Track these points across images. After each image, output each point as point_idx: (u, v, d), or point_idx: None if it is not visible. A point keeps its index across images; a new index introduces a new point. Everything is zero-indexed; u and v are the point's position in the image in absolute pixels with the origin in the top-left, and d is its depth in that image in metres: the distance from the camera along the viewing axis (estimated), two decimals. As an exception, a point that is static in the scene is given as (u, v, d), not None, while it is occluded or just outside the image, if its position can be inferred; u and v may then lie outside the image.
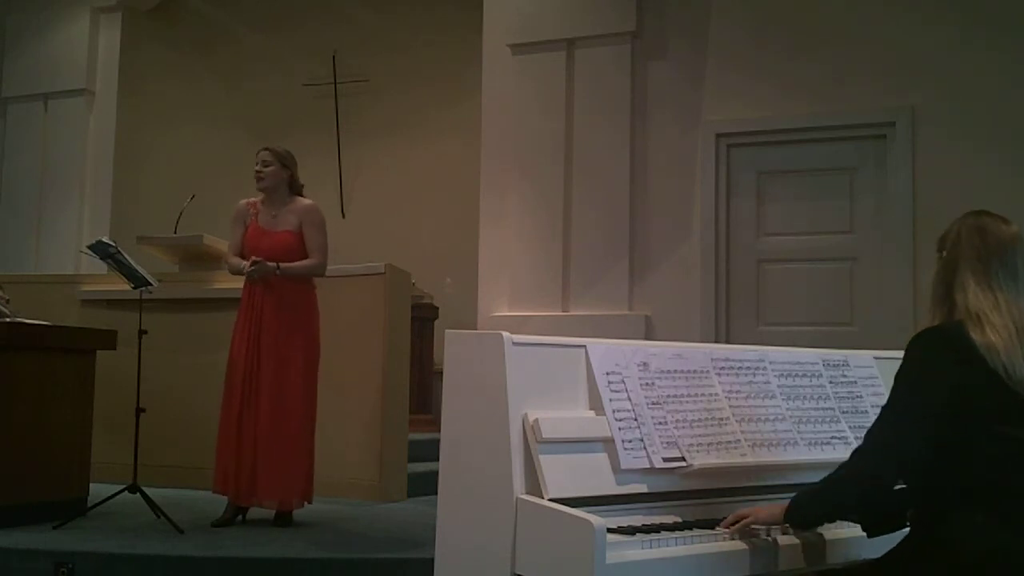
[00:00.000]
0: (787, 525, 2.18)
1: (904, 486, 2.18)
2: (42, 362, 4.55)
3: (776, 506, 2.19)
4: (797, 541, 2.24)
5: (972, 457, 2.01)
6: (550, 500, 2.05)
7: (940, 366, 2.05)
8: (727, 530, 2.17)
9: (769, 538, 2.20)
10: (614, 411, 2.24)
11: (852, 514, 2.21)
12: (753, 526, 2.18)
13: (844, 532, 2.31)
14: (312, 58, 9.17)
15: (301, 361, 4.57)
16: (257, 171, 4.67)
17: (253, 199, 4.75)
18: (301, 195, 4.77)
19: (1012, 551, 1.96)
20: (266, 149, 4.71)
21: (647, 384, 2.33)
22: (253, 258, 4.51)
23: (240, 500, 4.51)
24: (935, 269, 2.25)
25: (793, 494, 2.36)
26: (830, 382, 2.66)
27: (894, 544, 2.18)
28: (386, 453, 5.41)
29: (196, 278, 5.91)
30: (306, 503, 4.63)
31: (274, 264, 4.51)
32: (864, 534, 2.28)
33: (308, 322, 4.65)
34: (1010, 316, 2.09)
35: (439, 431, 2.33)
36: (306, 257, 4.64)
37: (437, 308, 7.57)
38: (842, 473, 2.10)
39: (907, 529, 2.18)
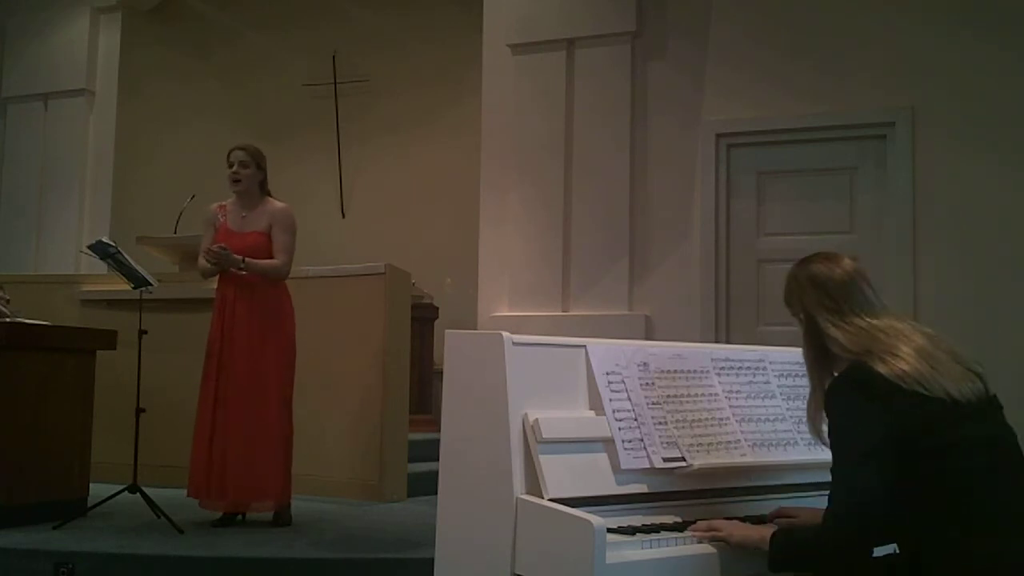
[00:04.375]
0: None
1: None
2: (42, 362, 4.55)
3: (752, 529, 2.15)
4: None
5: (930, 475, 1.99)
6: (550, 500, 2.05)
7: (862, 410, 2.02)
8: (696, 535, 2.13)
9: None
10: (614, 411, 2.24)
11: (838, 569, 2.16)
12: (723, 540, 2.13)
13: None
14: (312, 58, 9.16)
15: (275, 367, 4.55)
16: (234, 172, 4.63)
17: (222, 203, 4.73)
18: (270, 194, 4.75)
19: (989, 555, 1.95)
20: (241, 149, 4.67)
21: (647, 384, 2.33)
22: (221, 244, 4.49)
23: (213, 505, 4.51)
24: (802, 333, 2.25)
25: (778, 503, 2.35)
26: (830, 382, 2.66)
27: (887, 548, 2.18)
28: (386, 453, 5.41)
29: (196, 278, 5.89)
30: (285, 505, 4.60)
31: (239, 257, 4.49)
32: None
33: (282, 326, 4.62)
34: (885, 336, 2.10)
35: (439, 431, 2.33)
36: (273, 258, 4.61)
37: (437, 308, 7.57)
38: (821, 539, 2.03)
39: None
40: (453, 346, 2.28)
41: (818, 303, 2.19)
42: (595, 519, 1.93)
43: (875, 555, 2.13)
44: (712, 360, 2.49)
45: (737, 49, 6.14)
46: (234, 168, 4.64)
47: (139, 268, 4.75)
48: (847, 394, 2.07)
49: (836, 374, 2.16)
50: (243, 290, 4.57)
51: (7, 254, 8.12)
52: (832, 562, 2.08)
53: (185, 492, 4.69)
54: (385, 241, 8.14)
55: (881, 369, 2.04)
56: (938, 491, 1.99)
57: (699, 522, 2.17)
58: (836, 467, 2.05)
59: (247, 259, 4.51)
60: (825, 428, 2.13)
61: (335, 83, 9.10)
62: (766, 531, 2.12)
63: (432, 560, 2.28)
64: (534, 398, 2.16)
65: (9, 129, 8.51)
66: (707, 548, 2.11)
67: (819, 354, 2.21)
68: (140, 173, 8.73)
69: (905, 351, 2.06)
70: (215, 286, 4.75)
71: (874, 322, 2.14)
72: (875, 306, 2.19)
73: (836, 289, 2.19)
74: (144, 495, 4.49)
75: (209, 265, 4.58)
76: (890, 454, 1.99)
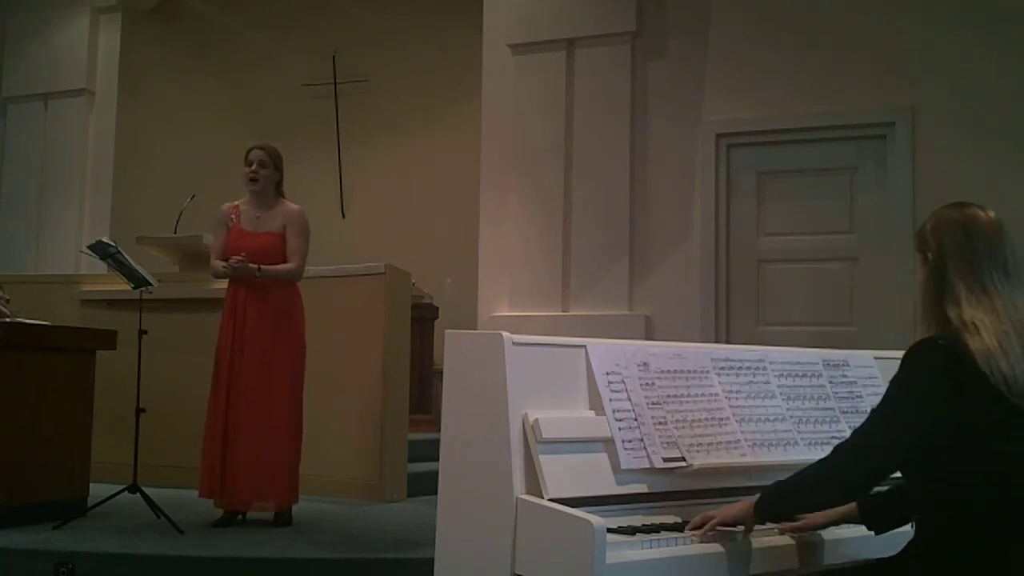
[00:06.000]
0: (756, 518, 2.13)
1: (900, 484, 2.17)
2: (42, 362, 4.55)
3: (744, 502, 2.16)
4: (797, 541, 2.24)
5: (976, 475, 1.96)
6: (550, 500, 2.05)
7: (937, 381, 1.97)
8: (694, 534, 2.12)
9: (769, 538, 2.20)
10: (614, 411, 2.24)
11: (829, 507, 2.19)
12: (720, 527, 2.13)
13: (845, 532, 2.31)
14: (312, 58, 9.17)
15: (287, 368, 4.56)
16: (252, 171, 4.63)
17: (235, 203, 4.72)
18: (284, 195, 4.75)
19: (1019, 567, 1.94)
20: (260, 148, 4.66)
21: (647, 384, 2.33)
22: (236, 256, 4.48)
23: (225, 504, 4.52)
24: (921, 276, 2.13)
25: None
26: (830, 382, 2.66)
27: (896, 543, 2.17)
28: (386, 453, 5.41)
29: (196, 278, 5.90)
30: (293, 504, 4.62)
31: (255, 266, 4.48)
32: (867, 533, 2.28)
33: (294, 328, 4.63)
34: (1009, 320, 2.00)
35: (439, 431, 2.32)
36: (286, 260, 4.61)
37: (437, 308, 7.57)
38: (823, 470, 2.05)
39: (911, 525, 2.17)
40: (453, 346, 2.28)
41: (958, 249, 2.06)
42: (595, 519, 1.93)
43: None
44: (712, 360, 2.49)
45: (737, 49, 6.14)
46: (252, 167, 4.64)
47: (139, 268, 4.74)
48: (929, 364, 1.99)
49: (934, 333, 2.06)
50: (255, 291, 4.56)
51: (7, 254, 8.12)
52: (810, 504, 2.14)
53: (185, 491, 4.69)
54: (385, 241, 8.14)
55: (973, 343, 1.96)
56: (987, 497, 1.96)
57: (692, 520, 2.17)
58: (876, 414, 2.04)
59: (262, 267, 4.50)
60: None
61: (335, 83, 9.11)
62: (754, 498, 2.14)
63: (432, 560, 2.28)
64: (534, 398, 2.16)
65: (9, 129, 8.51)
66: (707, 548, 2.11)
67: (933, 306, 2.08)
68: (140, 173, 8.74)
69: (1011, 345, 1.96)
70: (221, 285, 4.75)
71: (1002, 299, 2.02)
72: (1011, 278, 2.05)
73: (981, 241, 2.06)
74: (144, 495, 4.49)
75: (222, 269, 4.57)
76: (937, 438, 1.96)
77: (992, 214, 2.12)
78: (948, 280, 2.06)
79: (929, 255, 2.12)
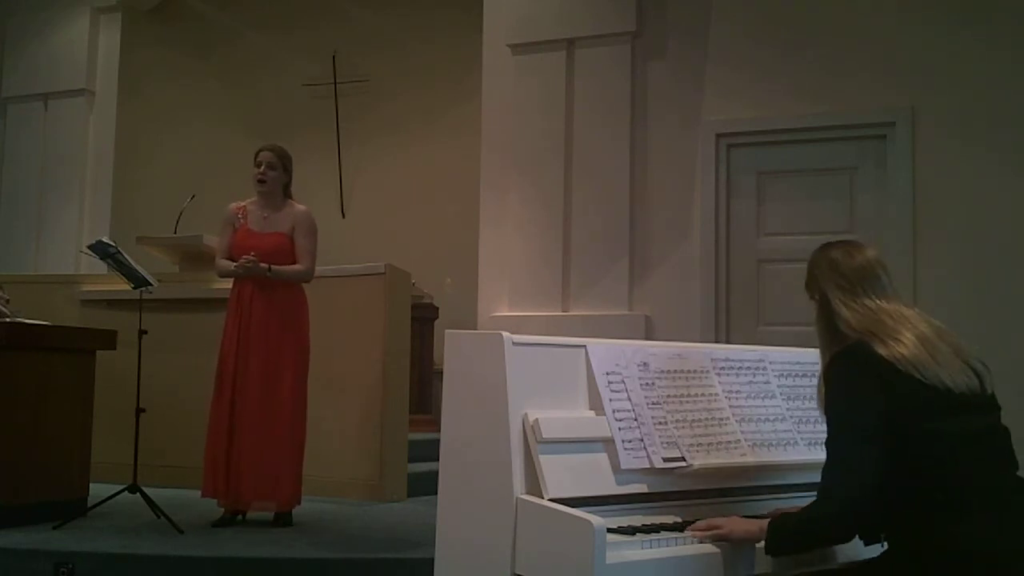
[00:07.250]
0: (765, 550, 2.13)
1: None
2: (42, 362, 4.55)
3: (752, 523, 2.16)
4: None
5: (919, 460, 2.02)
6: (550, 500, 2.05)
7: (862, 387, 2.07)
8: (696, 535, 2.12)
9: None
10: (614, 411, 2.24)
11: (835, 545, 2.21)
12: (724, 538, 2.13)
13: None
14: (312, 58, 9.17)
15: (292, 369, 4.56)
16: (261, 173, 4.63)
17: (241, 203, 4.72)
18: (291, 196, 4.76)
19: (977, 540, 1.97)
20: (269, 150, 4.67)
21: (647, 384, 2.33)
22: (246, 256, 4.48)
23: (228, 503, 4.51)
24: (815, 316, 2.29)
25: (777, 504, 2.36)
26: (830, 382, 2.65)
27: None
28: (386, 453, 5.41)
29: (196, 278, 5.91)
30: (295, 505, 4.62)
31: (265, 266, 4.49)
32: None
33: (299, 328, 4.64)
34: (894, 321, 2.13)
35: (439, 431, 2.33)
36: (294, 260, 4.61)
37: (437, 308, 7.57)
38: (814, 515, 2.06)
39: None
40: (453, 346, 2.28)
41: (832, 283, 2.24)
42: (595, 519, 1.93)
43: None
44: (712, 360, 2.49)
45: (737, 49, 6.13)
46: (261, 168, 4.64)
47: (139, 268, 4.75)
48: (846, 370, 2.11)
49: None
50: (261, 289, 4.56)
51: (7, 254, 8.12)
52: (823, 541, 2.14)
53: (185, 491, 4.68)
54: (385, 241, 8.14)
55: (881, 351, 2.08)
56: (922, 478, 2.02)
57: (698, 522, 2.17)
58: (833, 444, 2.08)
59: (273, 267, 4.51)
60: None
61: (335, 83, 9.11)
62: (764, 523, 2.13)
63: (432, 560, 2.28)
64: (534, 398, 2.16)
65: (9, 129, 8.51)
66: (707, 548, 2.11)
67: (830, 333, 2.23)
68: (140, 173, 8.74)
69: (907, 337, 2.10)
70: (221, 285, 4.74)
71: (883, 305, 2.18)
72: (887, 291, 2.22)
73: (852, 272, 2.23)
74: (144, 495, 4.49)
75: (233, 269, 4.56)
76: (886, 437, 2.02)
77: (869, 252, 2.27)
78: (832, 308, 2.22)
79: (816, 296, 2.29)
